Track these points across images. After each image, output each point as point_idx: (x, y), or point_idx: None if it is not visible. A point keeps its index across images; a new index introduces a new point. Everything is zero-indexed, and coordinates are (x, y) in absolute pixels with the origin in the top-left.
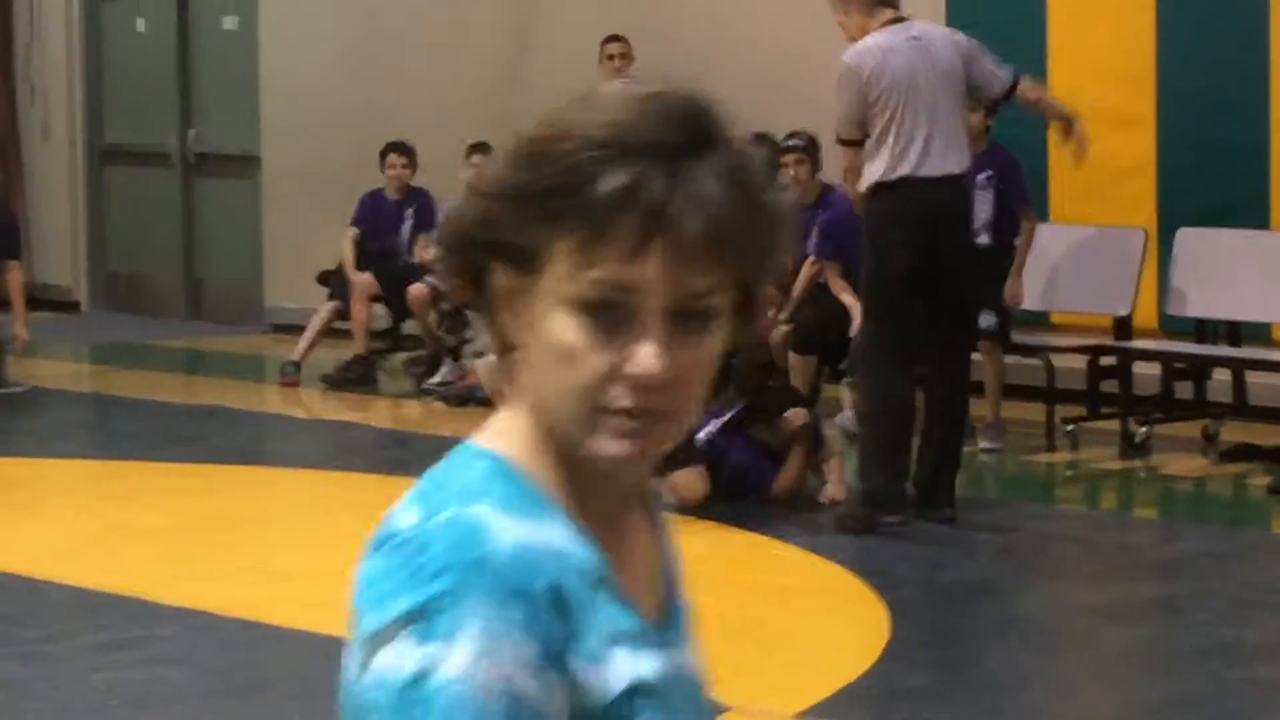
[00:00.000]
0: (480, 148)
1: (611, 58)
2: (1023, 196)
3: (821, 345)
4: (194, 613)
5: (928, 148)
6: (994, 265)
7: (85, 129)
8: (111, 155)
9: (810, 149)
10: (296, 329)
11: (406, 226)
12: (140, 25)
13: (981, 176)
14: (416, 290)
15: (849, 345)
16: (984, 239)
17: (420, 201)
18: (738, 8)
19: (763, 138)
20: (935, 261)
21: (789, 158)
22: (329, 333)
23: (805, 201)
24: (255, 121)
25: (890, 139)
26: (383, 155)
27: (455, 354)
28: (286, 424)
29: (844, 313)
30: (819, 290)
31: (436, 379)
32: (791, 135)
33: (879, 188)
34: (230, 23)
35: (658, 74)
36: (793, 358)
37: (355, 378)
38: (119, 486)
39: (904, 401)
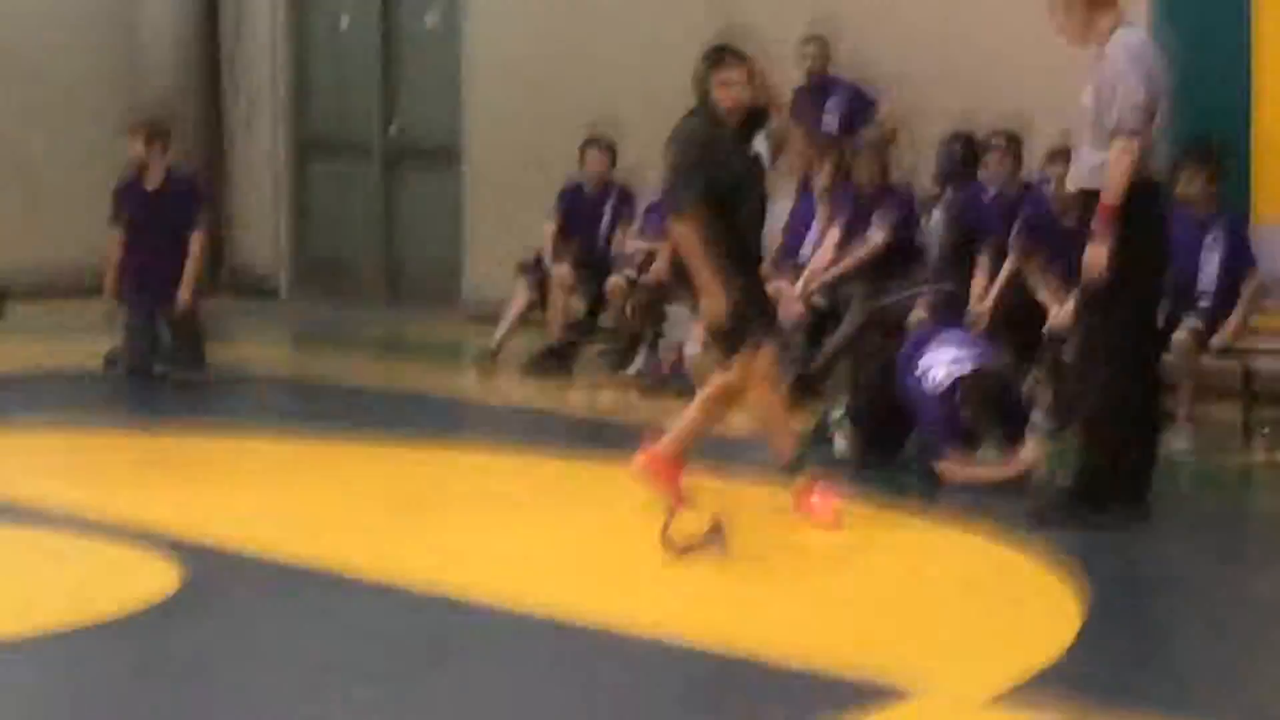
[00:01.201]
0: None
1: (807, 57)
2: (1248, 256)
3: (1014, 339)
4: (390, 589)
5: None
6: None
7: (288, 121)
8: (314, 147)
9: (1013, 144)
10: (496, 317)
11: (605, 219)
12: (344, 23)
13: (1208, 238)
14: (614, 282)
15: (1041, 340)
16: (1205, 303)
17: (619, 195)
18: (939, 6)
19: (960, 135)
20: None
21: (992, 155)
22: (527, 322)
23: (1007, 196)
24: (457, 114)
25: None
26: (582, 149)
27: (651, 344)
28: (483, 409)
29: (1038, 307)
30: (1017, 284)
31: (632, 369)
32: (994, 133)
33: (1146, 185)
34: (433, 19)
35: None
36: None
37: (552, 366)
38: (318, 466)
39: (1133, 397)
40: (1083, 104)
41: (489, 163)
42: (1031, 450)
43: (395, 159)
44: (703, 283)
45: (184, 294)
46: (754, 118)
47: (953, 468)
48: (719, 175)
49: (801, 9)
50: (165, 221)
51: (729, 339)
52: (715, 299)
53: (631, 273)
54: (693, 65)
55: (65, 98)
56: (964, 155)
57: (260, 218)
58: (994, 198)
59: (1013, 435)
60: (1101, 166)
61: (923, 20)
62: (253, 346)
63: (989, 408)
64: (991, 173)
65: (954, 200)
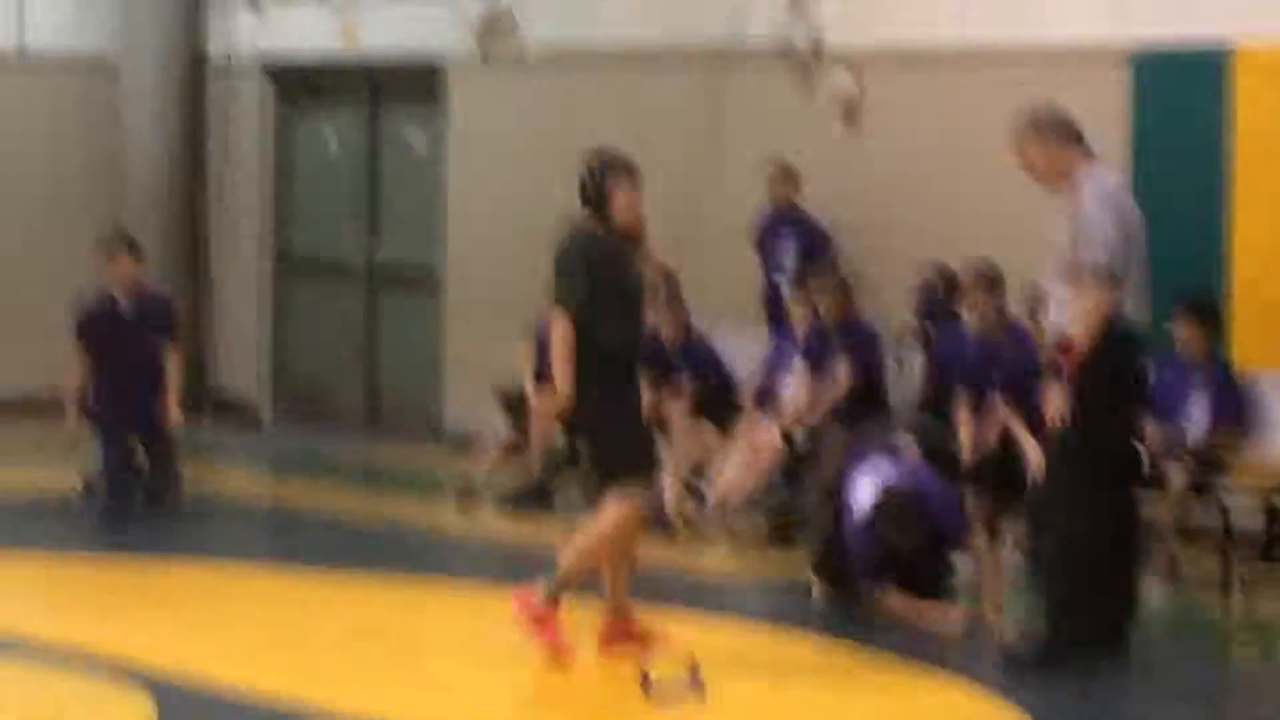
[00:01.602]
0: (662, 276)
1: (773, 184)
2: (1242, 418)
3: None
4: None
5: (1132, 295)
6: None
7: (273, 240)
8: (297, 268)
9: (994, 284)
10: (475, 444)
11: None
12: (331, 140)
13: (1197, 388)
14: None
15: (1024, 483)
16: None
17: None
18: (908, 147)
19: (942, 270)
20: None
21: (972, 295)
22: (509, 451)
23: (990, 335)
24: (440, 238)
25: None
26: None
27: None
28: (462, 542)
29: (1017, 450)
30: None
31: None
32: (975, 266)
33: (1116, 327)
34: (419, 142)
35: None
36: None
37: (532, 498)
38: (293, 596)
39: (1096, 544)
40: (1055, 243)
41: (469, 287)
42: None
43: (378, 280)
44: (560, 376)
45: (171, 415)
46: (637, 238)
47: (892, 601)
48: (615, 281)
49: (769, 138)
50: (138, 339)
51: (612, 469)
52: (564, 394)
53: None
54: (672, 194)
55: (45, 212)
56: (944, 291)
57: (242, 339)
58: (975, 340)
59: (939, 556)
60: (1070, 303)
61: (891, 161)
62: (231, 473)
63: (906, 528)
64: (972, 313)
65: (935, 340)
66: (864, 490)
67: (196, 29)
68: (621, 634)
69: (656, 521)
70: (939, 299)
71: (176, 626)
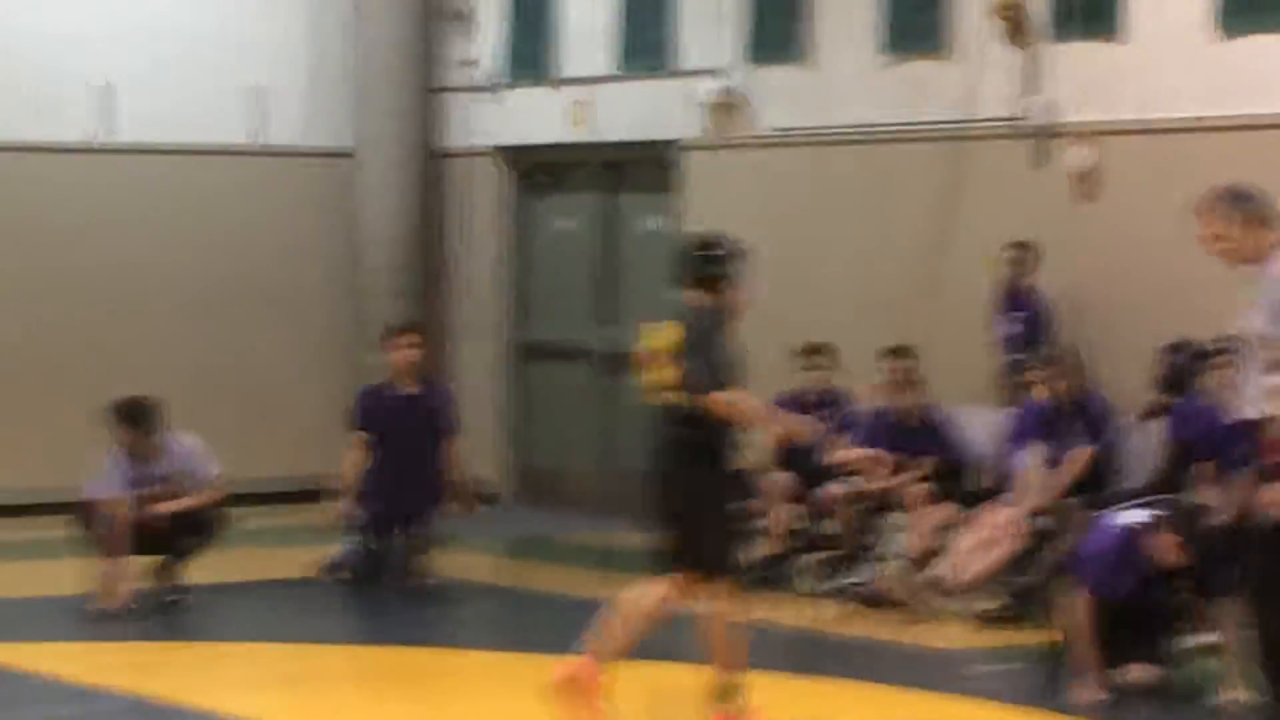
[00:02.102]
0: (897, 352)
1: (1007, 264)
2: None
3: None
4: None
5: None
6: None
7: (512, 326)
8: (535, 353)
9: (1236, 355)
10: None
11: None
12: (567, 225)
13: None
14: (832, 490)
15: None
16: None
17: (836, 401)
18: (1144, 221)
19: (1179, 346)
20: None
21: (1219, 361)
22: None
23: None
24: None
25: None
26: (806, 353)
27: (868, 556)
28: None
29: None
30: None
31: (851, 579)
32: (1217, 342)
33: None
34: (655, 224)
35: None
36: None
37: (769, 575)
38: (532, 681)
39: None
40: (1244, 328)
41: None
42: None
43: (614, 365)
44: (761, 420)
45: (450, 506)
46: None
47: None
48: (735, 363)
49: (1005, 215)
50: (418, 428)
51: (701, 554)
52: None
53: (849, 482)
54: (907, 276)
55: (290, 304)
56: (1185, 365)
57: (481, 424)
58: (1213, 409)
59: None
60: (1267, 394)
61: (1126, 235)
62: (473, 555)
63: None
64: (1214, 384)
65: (1175, 411)
66: (1120, 518)
67: (433, 118)
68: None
69: (875, 599)
70: (1179, 371)
71: (414, 710)
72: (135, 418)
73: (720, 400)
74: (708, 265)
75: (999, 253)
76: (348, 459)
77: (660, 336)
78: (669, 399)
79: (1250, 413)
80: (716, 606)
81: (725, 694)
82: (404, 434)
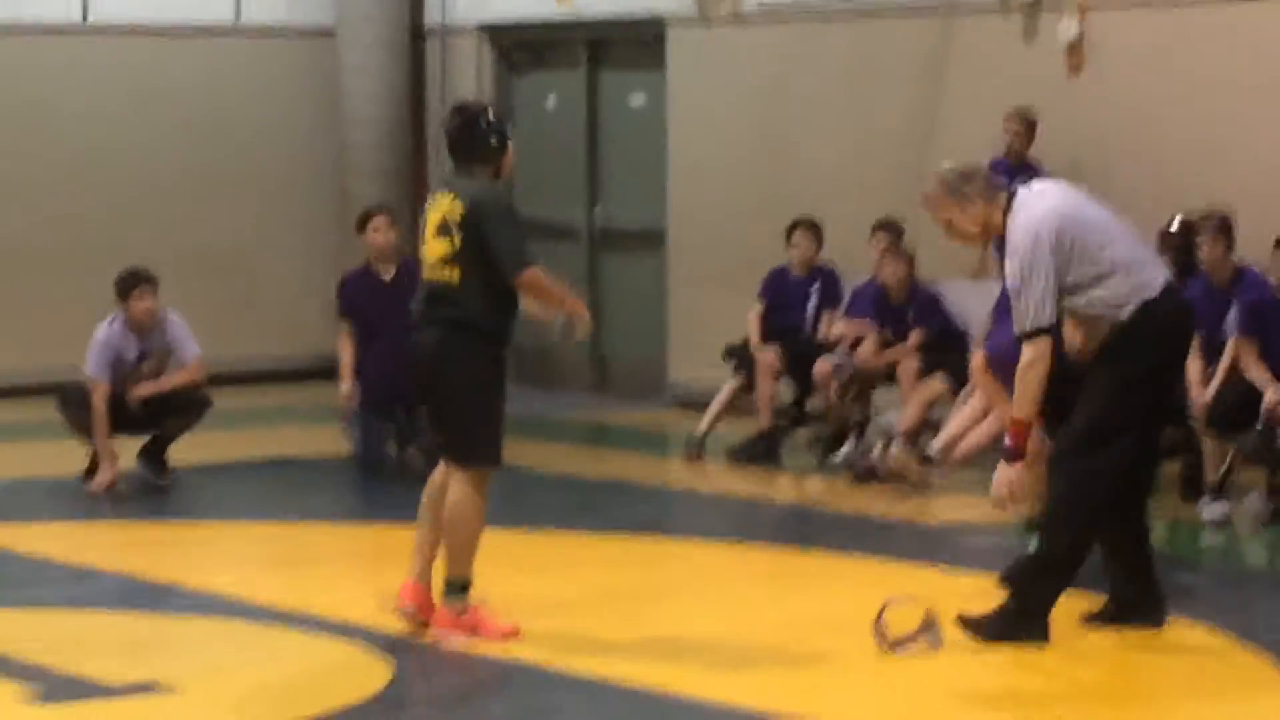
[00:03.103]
0: (886, 226)
1: (1008, 133)
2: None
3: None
4: (601, 684)
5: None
6: None
7: None
8: None
9: (1223, 229)
10: (701, 404)
11: (811, 303)
12: (550, 102)
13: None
14: (821, 366)
15: (1258, 423)
16: None
17: (825, 279)
18: (1146, 92)
19: (1182, 223)
20: None
21: (1205, 240)
22: (733, 408)
23: (1220, 282)
24: (662, 198)
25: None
26: (789, 231)
27: (860, 431)
28: (691, 498)
29: (1253, 392)
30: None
31: (840, 455)
32: (1205, 215)
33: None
34: (638, 100)
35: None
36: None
37: (759, 453)
38: (526, 558)
39: None
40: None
41: (693, 248)
42: None
43: (601, 243)
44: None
45: None
46: None
47: None
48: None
49: (993, 89)
50: (402, 310)
51: (475, 448)
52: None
53: (839, 357)
54: (895, 151)
55: (273, 185)
56: (1185, 245)
57: None
58: (1205, 285)
59: None
60: None
61: (1125, 105)
62: None
63: None
64: (1204, 259)
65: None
66: None
67: None
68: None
69: (868, 473)
70: (1180, 253)
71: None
72: (142, 282)
73: (536, 277)
74: (489, 136)
75: (1002, 123)
76: (341, 346)
77: (438, 208)
78: (447, 276)
79: None
80: (463, 491)
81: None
82: (389, 317)
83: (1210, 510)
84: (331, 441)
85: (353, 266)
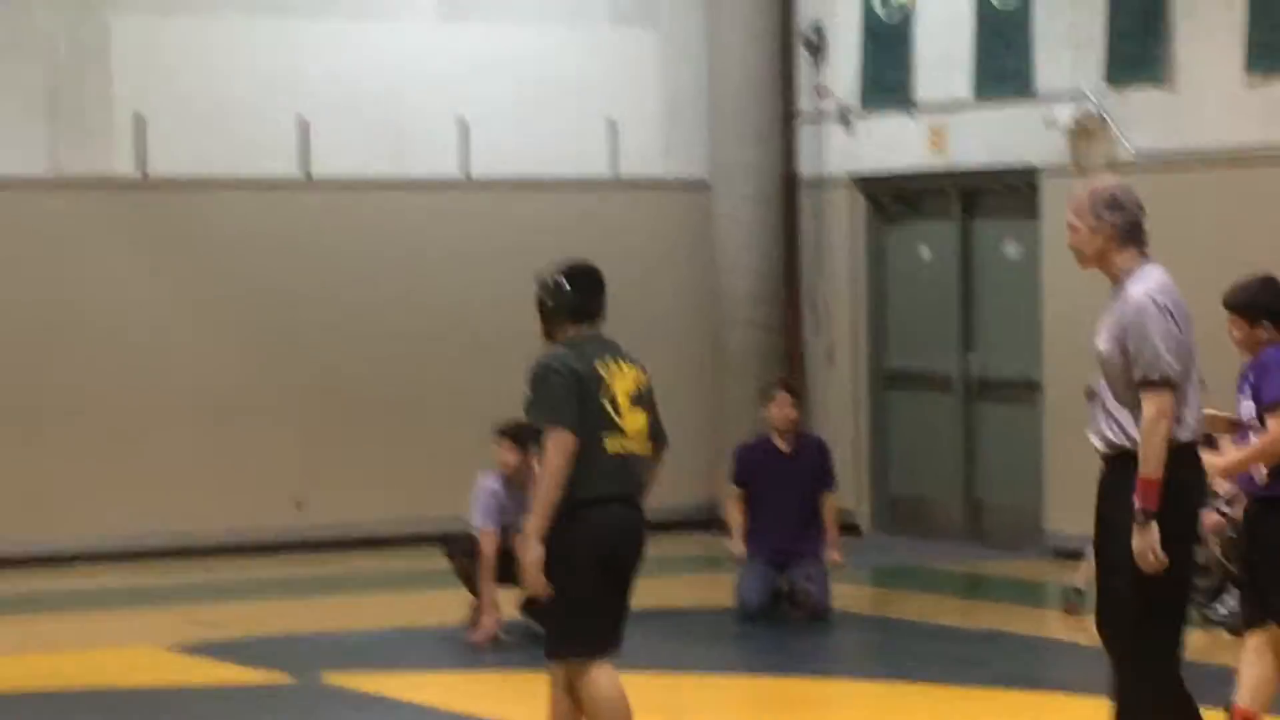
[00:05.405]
0: None
1: None
2: None
3: None
4: None
5: None
6: None
7: (869, 353)
8: (893, 380)
9: None
10: (1078, 554)
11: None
12: (924, 252)
13: None
14: (1211, 518)
15: None
16: None
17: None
18: None
19: None
20: None
21: None
22: None
23: None
24: (1036, 346)
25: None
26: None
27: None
28: (1069, 651)
29: None
30: None
31: (1223, 609)
32: None
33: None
34: (1012, 249)
35: None
36: None
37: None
38: (904, 710)
39: None
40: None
41: (1070, 396)
42: None
43: (975, 392)
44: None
45: (834, 555)
46: None
47: None
48: None
49: None
50: (797, 484)
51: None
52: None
53: (1226, 508)
54: None
55: (648, 334)
56: None
57: (840, 453)
58: None
59: None
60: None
61: None
62: (838, 584)
63: None
64: None
65: None
66: None
67: (788, 146)
68: None
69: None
70: None
71: None
72: (523, 440)
73: (550, 445)
74: (542, 298)
75: None
76: (729, 511)
77: (628, 379)
78: (645, 450)
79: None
80: (555, 693)
81: None
82: (782, 490)
83: None
84: (710, 590)
85: (748, 437)
